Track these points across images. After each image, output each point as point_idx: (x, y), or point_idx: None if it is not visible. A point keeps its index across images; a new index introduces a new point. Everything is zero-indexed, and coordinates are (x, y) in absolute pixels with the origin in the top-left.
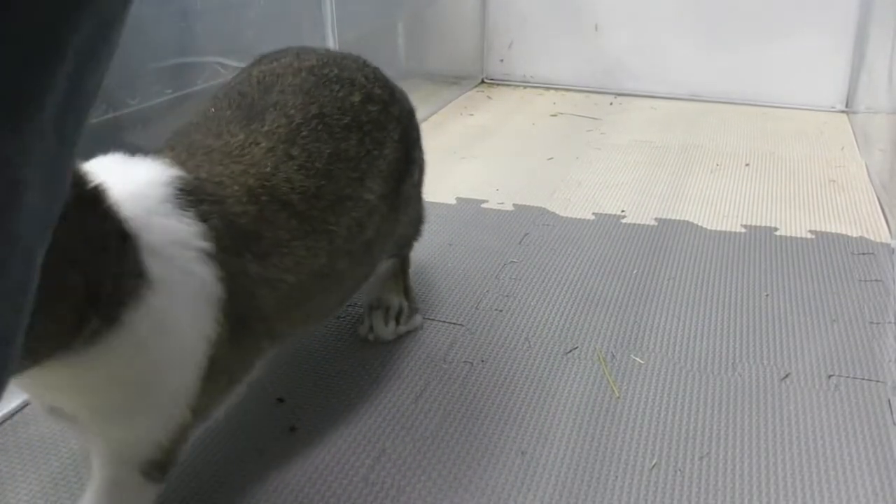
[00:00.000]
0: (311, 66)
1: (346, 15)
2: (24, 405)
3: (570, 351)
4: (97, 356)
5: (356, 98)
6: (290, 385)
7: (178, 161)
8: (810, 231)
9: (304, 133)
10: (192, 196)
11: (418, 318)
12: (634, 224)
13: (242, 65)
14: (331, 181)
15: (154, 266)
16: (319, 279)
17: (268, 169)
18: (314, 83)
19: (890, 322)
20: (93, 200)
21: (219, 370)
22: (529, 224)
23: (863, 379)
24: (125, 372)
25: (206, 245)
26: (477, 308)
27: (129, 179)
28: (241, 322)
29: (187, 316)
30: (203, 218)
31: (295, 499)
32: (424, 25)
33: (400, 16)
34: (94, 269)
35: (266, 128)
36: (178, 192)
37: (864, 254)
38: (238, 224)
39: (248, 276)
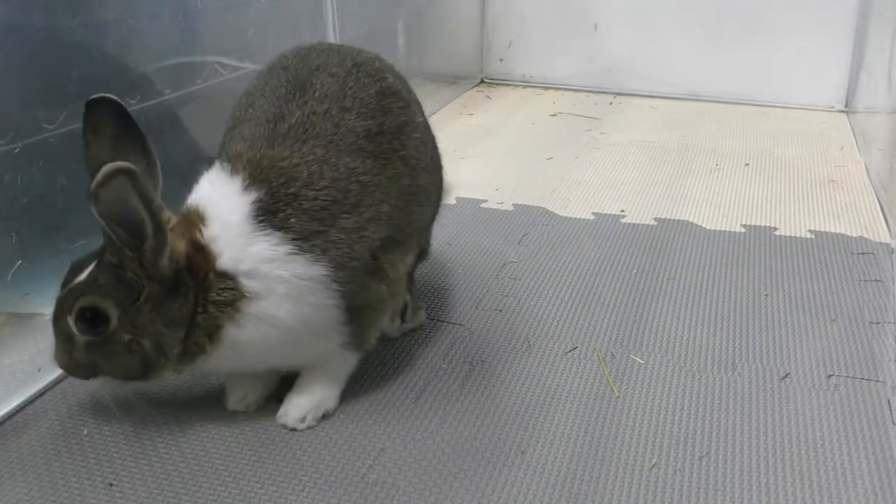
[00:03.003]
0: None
1: (347, 14)
2: (24, 406)
3: (570, 351)
4: None
5: (377, 64)
6: (289, 385)
7: (252, 169)
8: (810, 231)
9: (350, 83)
10: (266, 213)
11: (422, 315)
12: (634, 224)
13: (242, 64)
14: (386, 115)
15: (253, 285)
16: (410, 196)
17: (329, 130)
18: (338, 48)
19: (889, 322)
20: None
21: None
22: (529, 224)
23: (862, 379)
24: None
25: (289, 248)
26: (477, 308)
27: (217, 222)
28: (364, 268)
29: (304, 304)
30: (281, 226)
31: (296, 498)
32: (424, 25)
33: (400, 15)
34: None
35: (318, 93)
36: (255, 215)
37: (863, 253)
38: (320, 201)
39: (346, 233)
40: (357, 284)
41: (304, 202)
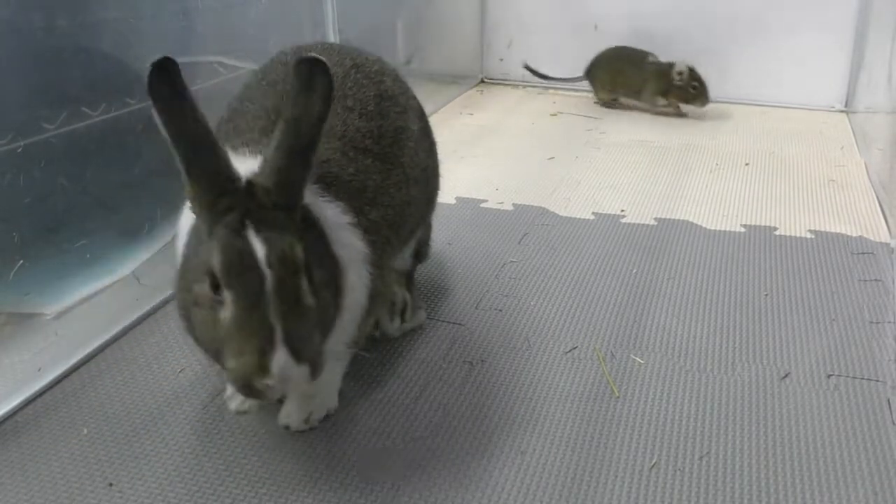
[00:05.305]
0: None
1: (347, 14)
2: (24, 406)
3: (570, 350)
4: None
5: (377, 66)
6: None
7: None
8: (810, 230)
9: (349, 84)
10: (321, 182)
11: (422, 314)
12: (634, 224)
13: (242, 64)
14: (384, 118)
15: (338, 249)
16: (405, 206)
17: (339, 127)
18: (339, 48)
19: (889, 322)
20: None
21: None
22: (529, 223)
23: (862, 379)
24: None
25: (349, 219)
26: (477, 308)
27: None
28: (379, 258)
29: (357, 276)
30: (338, 197)
31: (296, 498)
32: (424, 25)
33: (400, 15)
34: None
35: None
36: (318, 184)
37: (863, 253)
38: (353, 187)
39: (372, 223)
40: (377, 272)
41: (344, 183)
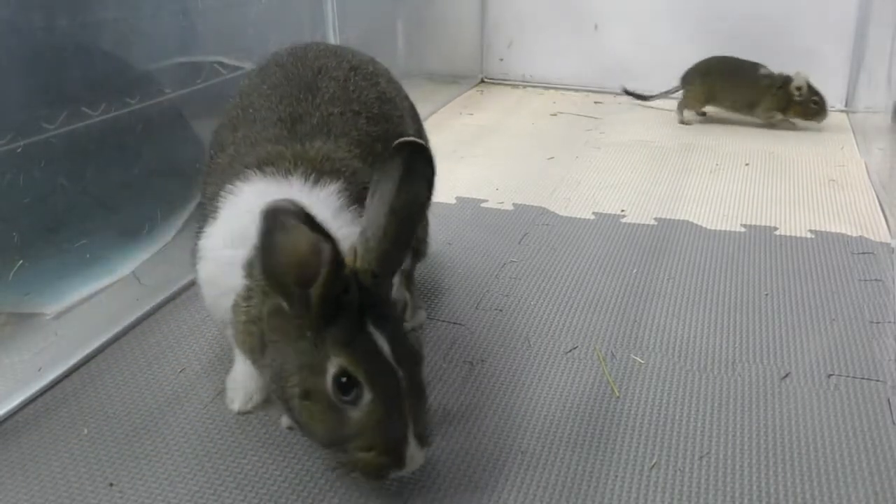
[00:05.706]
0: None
1: (347, 14)
2: (24, 406)
3: (570, 350)
4: None
5: (371, 68)
6: None
7: (308, 164)
8: (810, 230)
9: (351, 88)
10: (357, 200)
11: (422, 314)
12: (634, 224)
13: (242, 64)
14: (388, 122)
15: None
16: None
17: (353, 132)
18: (335, 49)
19: (890, 322)
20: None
21: None
22: (529, 223)
23: (862, 378)
24: None
25: None
26: (477, 308)
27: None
28: None
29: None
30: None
31: (297, 497)
32: (424, 25)
33: (400, 15)
34: None
35: (327, 95)
36: (347, 205)
37: (863, 253)
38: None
39: None
40: None
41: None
